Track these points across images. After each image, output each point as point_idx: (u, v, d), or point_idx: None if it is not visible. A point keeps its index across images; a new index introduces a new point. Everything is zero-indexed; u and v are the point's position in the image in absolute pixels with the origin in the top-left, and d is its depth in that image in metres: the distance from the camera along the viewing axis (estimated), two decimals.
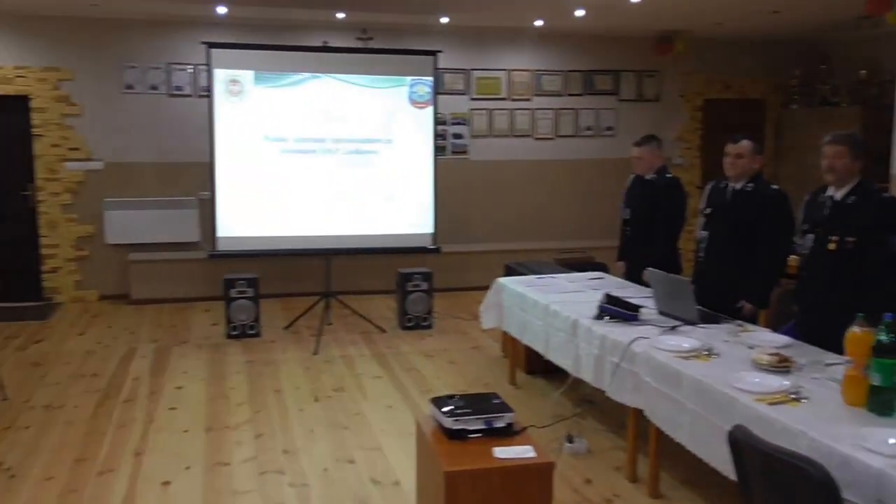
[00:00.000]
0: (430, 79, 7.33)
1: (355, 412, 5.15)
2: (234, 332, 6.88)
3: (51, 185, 8.12)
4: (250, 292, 6.89)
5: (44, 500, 3.91)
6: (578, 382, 4.63)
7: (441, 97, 8.06)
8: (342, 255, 7.55)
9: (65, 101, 8.06)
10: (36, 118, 8.02)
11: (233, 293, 6.86)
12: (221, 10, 7.50)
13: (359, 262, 8.43)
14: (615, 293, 4.61)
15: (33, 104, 7.99)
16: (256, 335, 6.92)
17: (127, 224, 8.22)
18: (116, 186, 8.24)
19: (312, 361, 6.27)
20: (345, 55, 7.38)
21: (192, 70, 8.31)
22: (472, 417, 3.30)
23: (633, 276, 5.52)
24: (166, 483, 4.10)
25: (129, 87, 8.24)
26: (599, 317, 4.42)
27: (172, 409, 5.18)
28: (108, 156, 8.23)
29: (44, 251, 8.20)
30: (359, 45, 8.38)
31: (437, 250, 7.46)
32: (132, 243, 8.28)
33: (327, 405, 5.28)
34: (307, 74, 7.06)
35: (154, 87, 8.30)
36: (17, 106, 7.98)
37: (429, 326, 7.26)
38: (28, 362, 6.19)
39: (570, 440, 4.48)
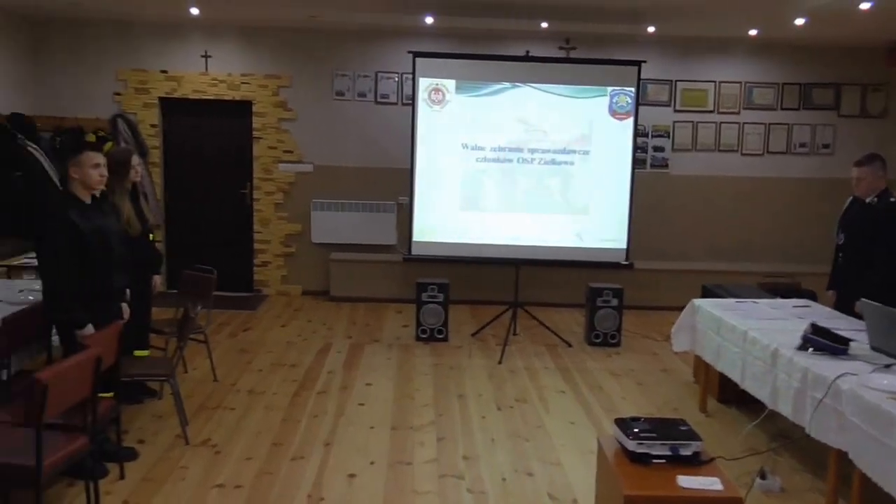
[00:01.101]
0: (633, 89, 7.15)
1: (537, 425, 5.11)
2: (423, 335, 7.05)
3: (266, 184, 8.74)
4: (441, 297, 7.04)
5: (242, 478, 4.19)
6: (775, 416, 4.32)
7: (643, 108, 7.85)
8: (532, 266, 7.53)
9: (282, 106, 8.64)
10: (256, 122, 8.66)
11: (424, 297, 7.04)
12: (429, 20, 7.73)
13: (548, 274, 8.37)
14: (822, 323, 4.26)
15: (255, 109, 8.64)
16: (444, 339, 7.05)
17: (331, 224, 8.67)
18: (323, 188, 8.72)
19: (497, 370, 6.30)
20: (546, 65, 7.36)
21: (397, 78, 8.63)
22: (658, 442, 3.17)
23: (845, 306, 5.08)
24: (352, 475, 4.26)
25: (340, 93, 8.70)
26: (803, 347, 4.11)
27: (361, 404, 5.39)
28: (317, 159, 8.73)
29: (256, 246, 8.83)
30: (561, 54, 8.36)
31: (629, 266, 7.25)
32: (335, 243, 8.73)
33: (509, 415, 5.27)
34: (507, 84, 7.11)
35: (362, 95, 8.70)
36: (242, 110, 8.66)
37: (617, 344, 7.07)
38: (237, 348, 6.68)
39: (763, 476, 4.18)
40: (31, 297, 4.65)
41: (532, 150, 7.15)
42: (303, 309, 8.25)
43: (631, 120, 7.15)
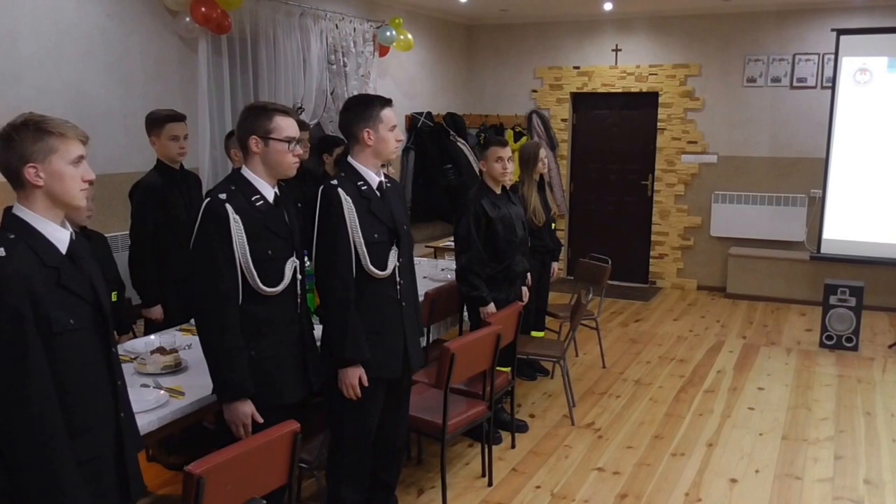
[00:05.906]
0: None
1: None
2: (829, 342, 6.48)
3: (667, 176, 8.70)
4: (852, 301, 6.39)
5: (621, 465, 4.32)
6: None
7: None
8: None
9: (689, 96, 8.50)
10: (662, 113, 8.64)
11: (833, 300, 6.45)
12: None
13: None
14: None
15: (661, 100, 8.62)
16: (853, 348, 6.41)
17: (732, 218, 8.33)
18: (727, 180, 8.42)
19: None
20: None
21: (817, 60, 7.95)
22: None
23: None
24: (733, 480, 4.14)
25: (751, 80, 8.27)
26: None
27: (751, 408, 5.17)
28: (722, 149, 8.44)
29: (654, 238, 8.85)
30: None
31: None
32: (735, 237, 8.38)
33: None
34: None
35: (776, 80, 8.18)
36: (648, 102, 8.71)
37: None
38: (627, 338, 6.81)
39: None
40: (449, 276, 5.23)
41: None
42: (697, 304, 8.09)
43: None
